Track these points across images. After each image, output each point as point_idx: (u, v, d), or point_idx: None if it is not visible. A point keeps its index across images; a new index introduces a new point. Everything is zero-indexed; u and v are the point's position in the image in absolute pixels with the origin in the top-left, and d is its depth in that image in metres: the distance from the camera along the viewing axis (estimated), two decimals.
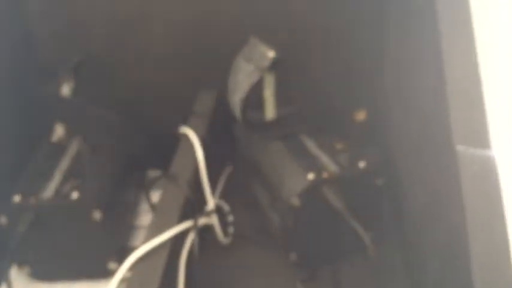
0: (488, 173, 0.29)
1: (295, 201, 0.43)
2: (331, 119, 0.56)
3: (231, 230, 0.52)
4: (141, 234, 0.55)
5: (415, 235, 0.45)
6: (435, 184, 0.36)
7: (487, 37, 0.33)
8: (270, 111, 0.52)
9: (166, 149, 0.56)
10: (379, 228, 0.50)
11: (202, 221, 0.47)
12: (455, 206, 0.30)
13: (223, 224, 0.51)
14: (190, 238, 0.44)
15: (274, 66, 0.47)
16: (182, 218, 0.44)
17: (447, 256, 0.34)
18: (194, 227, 0.44)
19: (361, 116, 0.63)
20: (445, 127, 0.32)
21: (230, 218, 0.52)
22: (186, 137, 0.53)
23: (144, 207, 0.58)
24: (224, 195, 0.56)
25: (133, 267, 0.39)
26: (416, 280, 0.46)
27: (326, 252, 0.49)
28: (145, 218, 0.57)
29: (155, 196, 0.53)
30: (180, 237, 0.43)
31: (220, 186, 0.57)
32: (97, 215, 0.45)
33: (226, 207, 0.54)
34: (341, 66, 0.59)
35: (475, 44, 0.33)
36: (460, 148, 0.30)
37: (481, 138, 0.30)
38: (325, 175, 0.44)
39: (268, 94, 0.50)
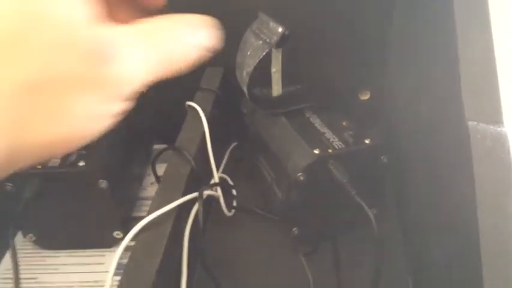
0: (500, 149, 0.29)
1: (301, 176, 0.43)
2: (336, 99, 0.56)
3: (234, 203, 0.52)
4: (146, 206, 0.56)
5: (417, 213, 0.45)
6: (445, 161, 0.36)
7: (501, 11, 0.33)
8: (276, 88, 0.52)
9: (173, 123, 0.56)
10: (381, 205, 0.50)
11: (206, 193, 0.47)
12: (465, 182, 0.30)
13: (227, 197, 0.51)
14: (195, 209, 0.45)
15: (283, 42, 0.47)
16: (187, 190, 0.44)
17: (454, 232, 0.34)
18: (199, 197, 0.44)
19: (365, 96, 0.64)
20: (457, 103, 0.32)
21: (234, 192, 0.52)
22: (192, 111, 0.53)
23: (150, 180, 0.59)
24: (229, 170, 0.57)
25: (138, 237, 0.40)
26: (417, 256, 0.46)
27: (328, 228, 0.50)
28: (151, 190, 0.58)
29: (161, 170, 0.53)
30: (184, 209, 0.43)
31: (225, 161, 0.57)
32: (103, 183, 0.45)
33: (230, 181, 0.54)
34: (345, 45, 0.59)
35: (489, 17, 0.33)
36: (471, 124, 0.30)
37: (493, 114, 0.30)
38: (330, 150, 0.44)
39: (275, 70, 0.50)
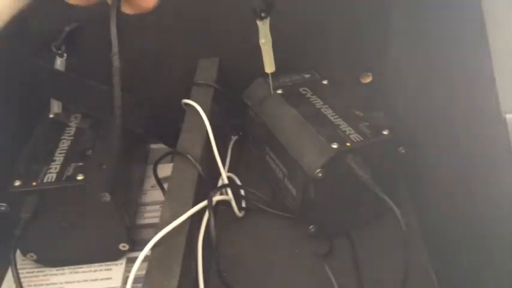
0: None
1: (319, 173, 0.41)
2: (336, 83, 0.54)
3: (243, 203, 0.50)
4: (148, 212, 0.53)
5: (439, 208, 0.44)
6: (478, 157, 0.34)
7: None
8: (268, 61, 0.48)
9: (168, 121, 0.53)
10: (398, 196, 0.48)
11: (216, 199, 0.44)
12: (505, 178, 0.28)
13: (236, 197, 0.48)
14: (206, 217, 0.42)
15: (266, 12, 0.44)
16: (197, 197, 0.42)
17: (488, 235, 0.32)
18: (209, 206, 0.42)
19: (366, 79, 0.61)
20: (488, 93, 0.30)
21: (242, 192, 0.50)
22: (191, 109, 0.50)
23: (150, 182, 0.56)
24: (233, 166, 0.54)
25: (152, 251, 0.37)
26: (439, 253, 0.45)
27: (344, 223, 0.48)
28: (151, 194, 0.55)
29: (159, 170, 0.51)
30: (196, 217, 0.41)
31: (229, 159, 0.54)
32: (105, 196, 0.42)
33: (237, 180, 0.51)
34: (346, 27, 0.56)
35: None
36: (509, 117, 0.28)
37: None
38: (348, 144, 0.42)
39: (265, 41, 0.46)
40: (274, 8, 0.44)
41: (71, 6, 0.39)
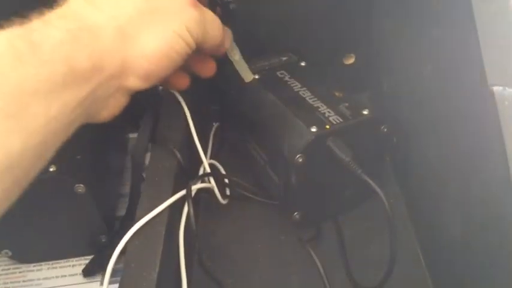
0: None
1: (299, 158, 0.40)
2: (318, 64, 0.53)
3: (227, 191, 0.49)
4: (126, 203, 0.51)
5: (427, 186, 0.43)
6: (467, 132, 0.33)
7: None
8: (245, 75, 0.47)
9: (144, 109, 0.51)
10: (382, 178, 0.47)
11: (197, 187, 0.43)
12: (494, 154, 0.27)
13: (219, 184, 0.47)
14: (187, 207, 0.41)
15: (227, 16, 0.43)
16: (176, 186, 0.40)
17: (479, 214, 0.31)
18: (188, 195, 0.40)
19: (349, 60, 0.60)
20: (474, 65, 0.29)
21: (226, 180, 0.48)
22: (168, 96, 0.48)
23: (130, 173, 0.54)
24: (217, 154, 0.53)
25: (130, 243, 0.36)
26: (427, 231, 0.44)
27: (329, 208, 0.47)
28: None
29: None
30: (176, 207, 0.40)
31: (211, 145, 0.53)
32: (80, 188, 0.41)
33: (220, 167, 0.50)
34: (329, 7, 0.54)
35: None
36: (497, 89, 0.27)
37: None
38: (328, 126, 0.41)
39: (237, 59, 0.45)
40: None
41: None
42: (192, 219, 0.38)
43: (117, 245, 0.36)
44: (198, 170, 0.47)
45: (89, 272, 0.44)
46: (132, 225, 0.36)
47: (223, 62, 0.45)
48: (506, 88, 0.27)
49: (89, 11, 0.32)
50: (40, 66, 0.28)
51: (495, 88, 0.27)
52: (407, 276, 0.42)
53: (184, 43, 0.35)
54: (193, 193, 0.42)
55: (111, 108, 0.36)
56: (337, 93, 0.46)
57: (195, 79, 0.51)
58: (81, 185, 0.40)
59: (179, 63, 0.36)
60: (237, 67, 0.46)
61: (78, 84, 0.30)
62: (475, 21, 0.29)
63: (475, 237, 0.34)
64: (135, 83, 0.35)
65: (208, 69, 0.44)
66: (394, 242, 0.36)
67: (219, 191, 0.46)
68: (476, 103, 0.29)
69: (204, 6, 0.38)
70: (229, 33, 0.43)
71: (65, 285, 0.44)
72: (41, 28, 0.30)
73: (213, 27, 0.39)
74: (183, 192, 0.40)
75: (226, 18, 0.42)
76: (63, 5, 0.32)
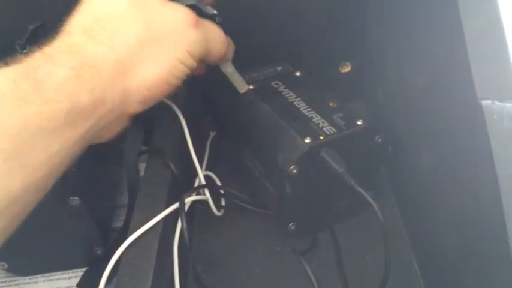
0: None
1: (293, 169, 0.40)
2: (314, 73, 0.53)
3: (222, 202, 0.49)
4: (123, 214, 0.51)
5: (422, 197, 0.43)
6: (456, 144, 0.33)
7: None
8: (239, 86, 0.47)
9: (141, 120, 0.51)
10: (376, 187, 0.47)
11: (191, 199, 0.43)
12: (483, 167, 0.27)
13: (215, 195, 0.47)
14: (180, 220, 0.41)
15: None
16: (170, 198, 0.40)
17: (472, 224, 0.31)
18: (181, 209, 0.40)
19: (345, 68, 0.60)
20: (464, 78, 0.29)
21: (221, 191, 0.48)
22: (163, 107, 0.49)
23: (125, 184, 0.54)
24: (211, 164, 0.53)
25: (124, 256, 0.36)
26: (422, 240, 0.44)
27: (324, 218, 0.47)
28: (126, 196, 0.53)
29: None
30: (170, 219, 0.40)
31: (207, 156, 0.53)
32: (74, 200, 0.41)
33: (216, 179, 0.50)
34: (324, 16, 0.55)
35: None
36: (486, 103, 0.27)
37: (509, 90, 0.27)
38: (322, 137, 0.41)
39: (231, 71, 0.45)
40: None
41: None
42: (186, 233, 0.38)
43: (111, 257, 0.36)
44: (194, 180, 0.47)
45: (83, 285, 0.44)
46: (126, 238, 0.36)
47: (217, 71, 0.45)
48: (495, 102, 0.27)
49: (90, 45, 0.32)
50: (43, 105, 0.28)
51: (484, 102, 0.27)
52: (402, 286, 0.42)
53: (184, 67, 0.35)
54: (187, 205, 0.42)
55: (113, 131, 0.36)
56: (331, 103, 0.46)
57: (190, 86, 0.51)
58: (76, 198, 0.41)
59: (178, 85, 0.37)
60: (231, 79, 0.46)
61: (80, 120, 0.31)
62: (464, 34, 0.29)
63: (469, 247, 0.34)
64: (135, 108, 0.35)
65: (198, 69, 0.41)
66: (389, 253, 0.36)
67: (214, 202, 0.46)
68: (466, 116, 0.29)
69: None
70: (232, 45, 0.43)
71: None
72: (44, 65, 0.30)
73: (216, 43, 0.39)
74: (176, 205, 0.40)
75: None
76: (64, 37, 0.32)
